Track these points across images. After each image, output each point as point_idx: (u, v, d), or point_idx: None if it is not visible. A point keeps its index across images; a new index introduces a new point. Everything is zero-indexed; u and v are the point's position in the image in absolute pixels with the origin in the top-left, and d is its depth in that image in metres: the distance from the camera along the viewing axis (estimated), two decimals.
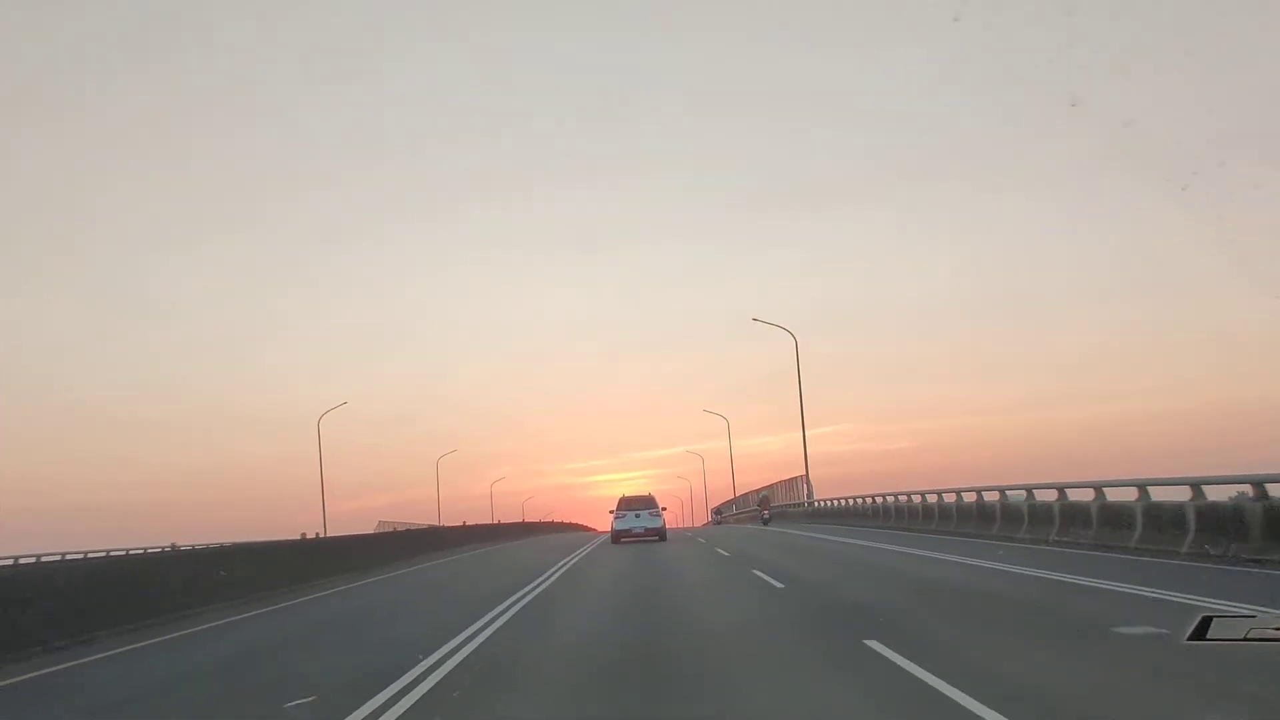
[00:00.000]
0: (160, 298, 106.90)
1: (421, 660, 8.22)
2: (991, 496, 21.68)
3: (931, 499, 26.12)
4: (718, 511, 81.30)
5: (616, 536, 31.80)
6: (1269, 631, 4.98)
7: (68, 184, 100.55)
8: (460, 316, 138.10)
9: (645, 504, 32.76)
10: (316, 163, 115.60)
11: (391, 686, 7.12)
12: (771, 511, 48.71)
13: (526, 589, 14.85)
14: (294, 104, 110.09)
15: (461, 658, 8.37)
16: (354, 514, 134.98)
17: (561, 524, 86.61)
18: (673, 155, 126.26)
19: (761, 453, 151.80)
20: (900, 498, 29.45)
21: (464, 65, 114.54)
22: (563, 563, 21.44)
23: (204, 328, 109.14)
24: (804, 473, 46.15)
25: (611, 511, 33.23)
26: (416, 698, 6.78)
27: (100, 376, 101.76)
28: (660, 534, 31.88)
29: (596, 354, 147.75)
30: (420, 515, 76.14)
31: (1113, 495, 16.53)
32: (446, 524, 68.02)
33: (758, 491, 60.61)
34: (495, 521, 71.25)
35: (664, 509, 33.82)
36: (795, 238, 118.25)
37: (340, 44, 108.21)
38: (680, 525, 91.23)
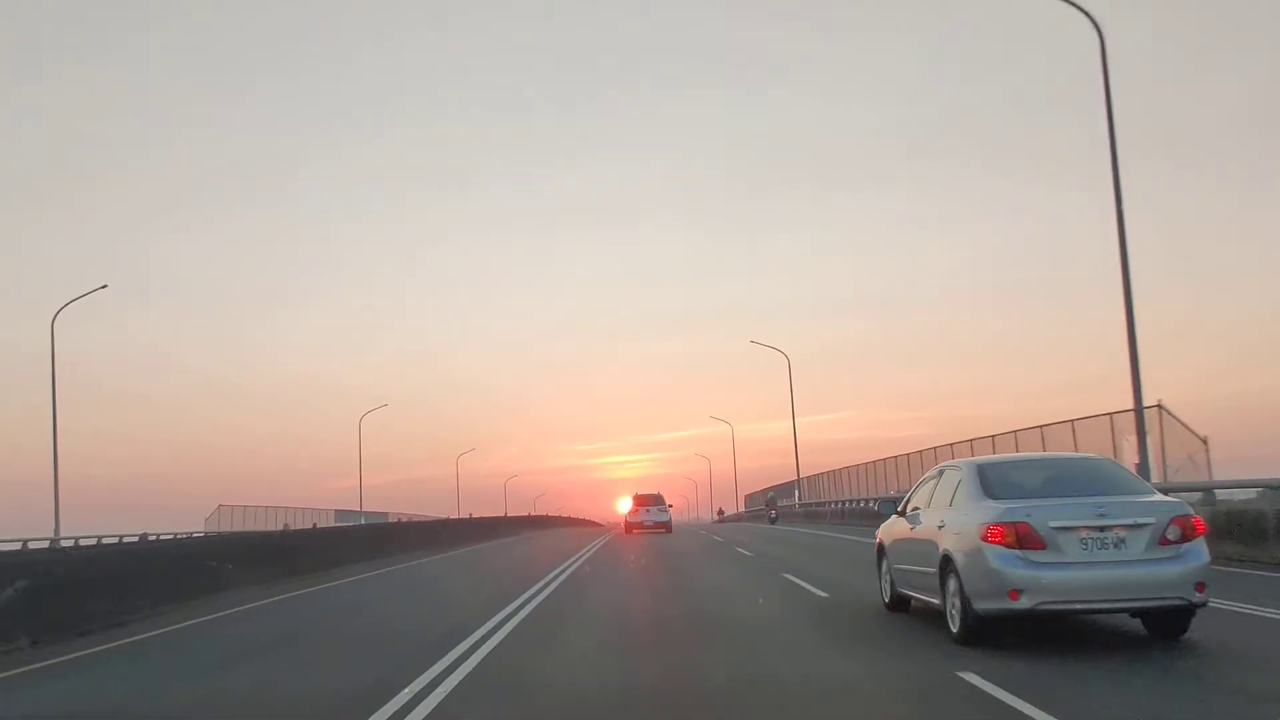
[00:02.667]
0: (159, 271, 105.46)
1: None
2: None
3: None
4: (721, 511, 78.69)
5: (629, 528, 38.37)
6: None
7: (67, 153, 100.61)
8: (463, 295, 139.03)
9: (655, 501, 39.35)
10: (319, 140, 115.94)
11: None
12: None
13: None
14: (299, 78, 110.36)
15: None
16: (345, 493, 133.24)
17: (548, 519, 68.74)
18: (685, 133, 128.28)
19: (768, 438, 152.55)
20: None
21: (471, 42, 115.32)
22: None
23: (202, 302, 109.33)
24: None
25: (626, 508, 41.02)
26: None
27: (94, 349, 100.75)
28: (667, 527, 37.95)
29: (604, 334, 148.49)
30: (403, 499, 69.92)
31: None
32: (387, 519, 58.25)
33: (764, 491, 59.97)
34: (442, 518, 56.81)
35: (670, 505, 40.40)
36: (809, 218, 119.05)
37: (348, 20, 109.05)
38: (695, 516, 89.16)
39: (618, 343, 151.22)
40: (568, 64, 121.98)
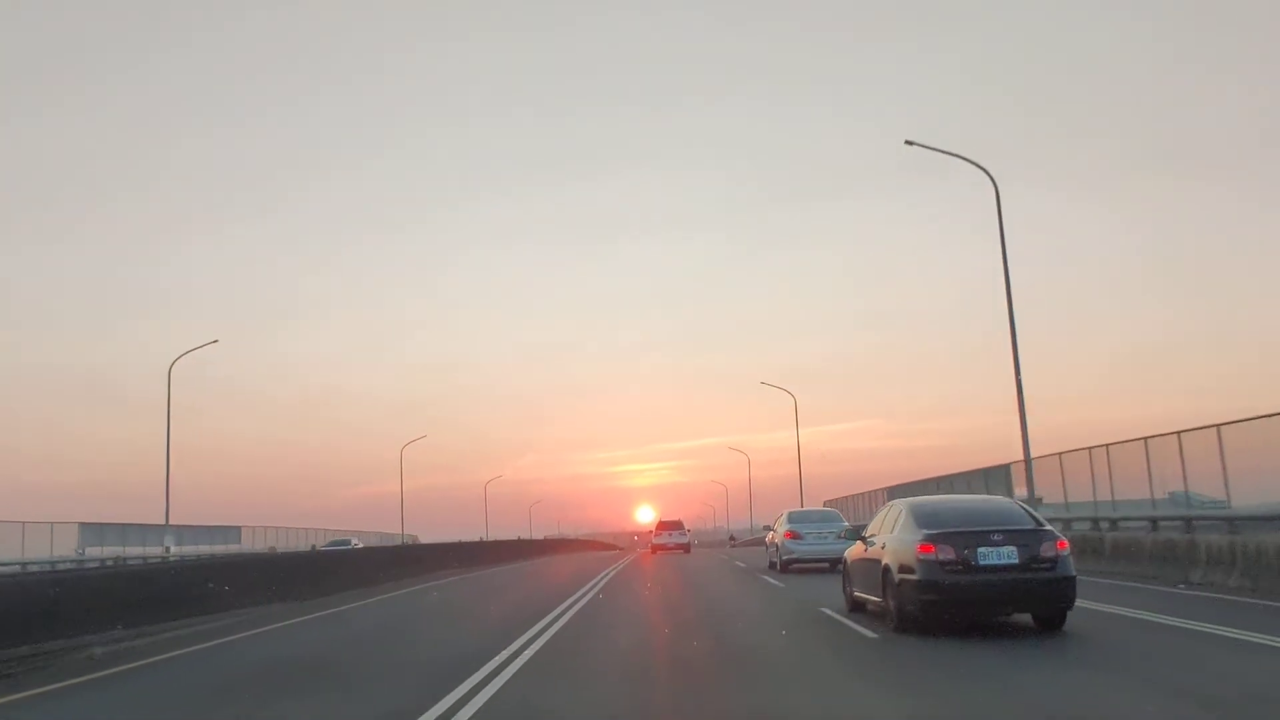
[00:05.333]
0: (176, 281, 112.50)
1: None
2: None
3: None
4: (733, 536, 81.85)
5: (654, 549, 47.63)
6: None
7: (86, 167, 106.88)
8: (484, 306, 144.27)
9: (677, 526, 49.84)
10: (338, 153, 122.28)
11: None
12: None
13: None
14: (314, 92, 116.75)
15: None
16: (364, 499, 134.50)
17: (543, 545, 59.84)
18: (708, 147, 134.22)
19: (787, 447, 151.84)
20: None
21: (489, 53, 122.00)
22: None
23: (219, 312, 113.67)
24: None
25: (651, 532, 51.91)
26: None
27: (111, 359, 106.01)
28: (686, 548, 47.66)
29: (624, 344, 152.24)
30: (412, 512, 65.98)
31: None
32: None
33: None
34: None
35: (689, 530, 50.73)
36: (825, 231, 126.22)
37: (364, 33, 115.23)
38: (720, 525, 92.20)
39: (638, 352, 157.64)
40: (589, 78, 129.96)
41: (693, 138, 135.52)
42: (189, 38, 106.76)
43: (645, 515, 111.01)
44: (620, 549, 71.84)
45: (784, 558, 22.54)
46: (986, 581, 10.33)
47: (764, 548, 26.36)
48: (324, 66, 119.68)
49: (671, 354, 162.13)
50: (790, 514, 23.87)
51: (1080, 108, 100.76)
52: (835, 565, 22.19)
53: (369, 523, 75.30)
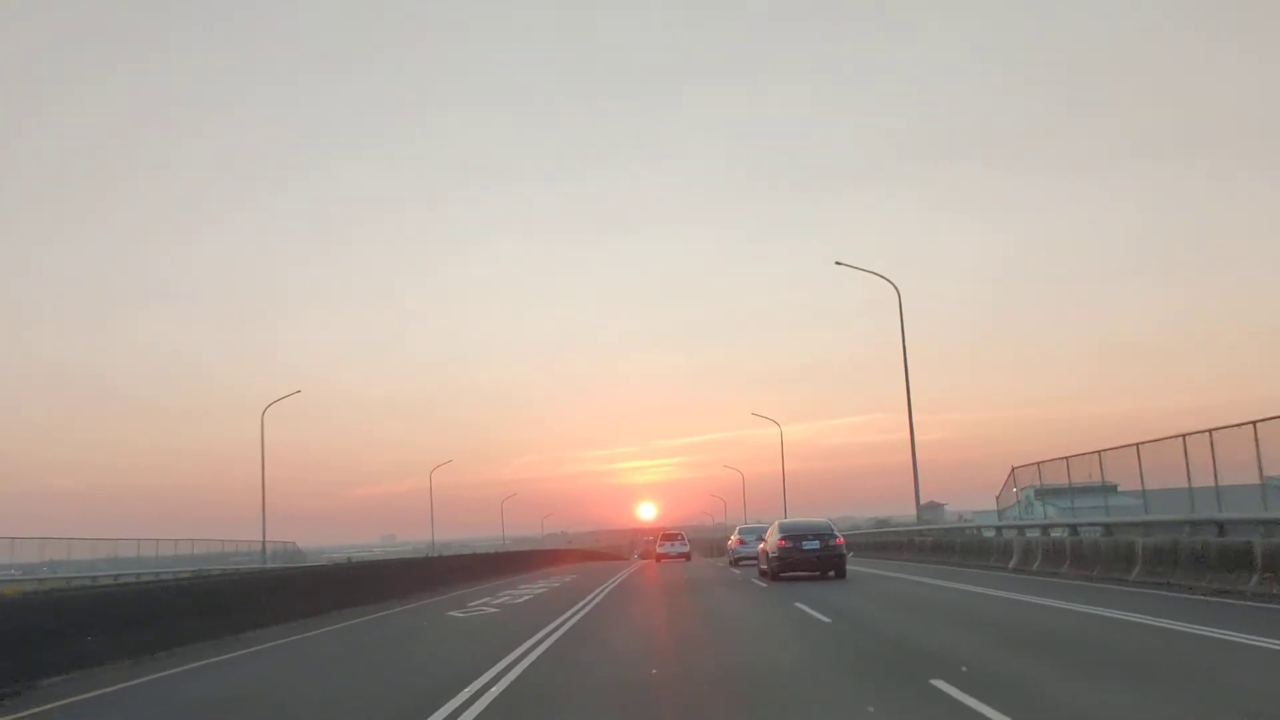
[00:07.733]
0: (167, 278, 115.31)
1: None
2: None
3: None
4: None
5: (659, 557, 52.15)
6: None
7: (75, 165, 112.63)
8: (480, 304, 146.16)
9: (677, 538, 55.00)
10: (332, 146, 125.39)
11: None
12: None
13: None
14: (307, 84, 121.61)
15: None
16: (360, 500, 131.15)
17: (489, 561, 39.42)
18: (707, 139, 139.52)
19: (799, 440, 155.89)
20: None
21: (487, 46, 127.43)
22: None
23: (208, 310, 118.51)
24: None
25: (650, 538, 63.30)
26: None
27: (101, 357, 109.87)
28: (687, 556, 51.57)
29: (625, 339, 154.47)
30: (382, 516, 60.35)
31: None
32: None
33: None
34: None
35: (688, 542, 55.72)
36: (831, 220, 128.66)
37: (362, 24, 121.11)
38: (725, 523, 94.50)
39: (639, 346, 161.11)
40: (591, 74, 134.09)
41: (695, 135, 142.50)
42: (191, 38, 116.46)
43: (647, 512, 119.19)
44: (622, 559, 71.46)
45: (734, 556, 36.08)
46: (805, 556, 23.87)
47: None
48: (325, 63, 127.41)
49: (674, 348, 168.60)
50: (740, 529, 37.39)
51: (1085, 92, 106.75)
52: None
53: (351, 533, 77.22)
